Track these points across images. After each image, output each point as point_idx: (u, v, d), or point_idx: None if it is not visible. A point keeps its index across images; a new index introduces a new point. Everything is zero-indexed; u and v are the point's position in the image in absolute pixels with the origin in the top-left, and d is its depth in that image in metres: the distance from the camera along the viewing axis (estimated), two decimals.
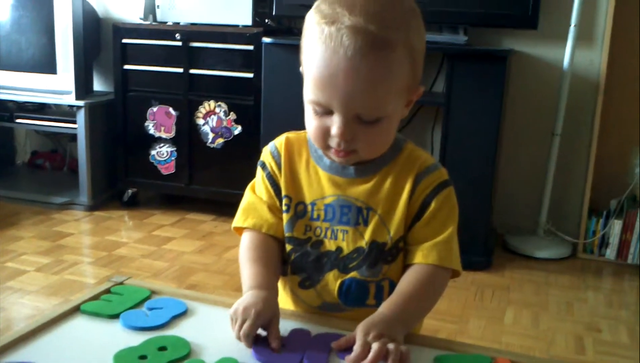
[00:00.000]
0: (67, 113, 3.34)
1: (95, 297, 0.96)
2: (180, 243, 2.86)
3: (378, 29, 0.83)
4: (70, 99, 3.17)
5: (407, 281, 0.94)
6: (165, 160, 3.26)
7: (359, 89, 0.85)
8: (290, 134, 1.03)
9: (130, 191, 3.37)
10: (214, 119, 3.13)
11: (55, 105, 3.37)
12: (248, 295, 0.88)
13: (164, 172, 3.27)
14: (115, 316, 0.90)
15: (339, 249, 0.97)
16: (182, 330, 0.88)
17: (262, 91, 2.87)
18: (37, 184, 3.54)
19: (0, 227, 2.93)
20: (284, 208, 0.99)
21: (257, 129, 2.95)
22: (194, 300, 0.97)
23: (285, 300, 1.04)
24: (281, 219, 1.00)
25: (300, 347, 0.83)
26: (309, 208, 0.98)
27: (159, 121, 3.23)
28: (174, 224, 3.13)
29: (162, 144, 3.25)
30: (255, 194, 1.03)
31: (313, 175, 0.99)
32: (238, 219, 1.02)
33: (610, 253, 2.87)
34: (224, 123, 3.11)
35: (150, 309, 0.93)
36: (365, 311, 0.88)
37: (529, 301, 2.42)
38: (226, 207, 3.16)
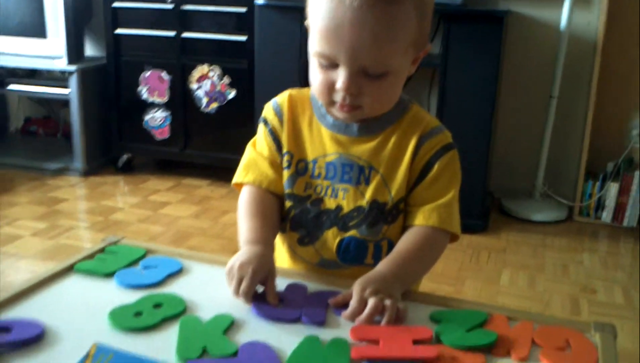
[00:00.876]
0: (59, 78, 3.30)
1: (89, 256, 0.95)
2: (176, 208, 2.85)
3: None
4: (61, 64, 3.13)
5: (406, 241, 0.93)
6: (159, 125, 3.24)
7: (365, 41, 0.83)
8: (293, 91, 1.02)
9: (125, 156, 3.35)
10: (207, 84, 3.09)
11: (47, 70, 3.32)
12: (244, 251, 0.87)
13: (159, 137, 3.25)
14: (109, 275, 0.89)
15: (339, 207, 0.96)
16: (177, 288, 0.87)
17: (256, 54, 2.83)
18: (31, 150, 3.52)
19: None
20: (284, 164, 0.98)
21: (251, 93, 2.92)
22: (189, 259, 0.96)
23: (283, 257, 1.03)
24: (282, 175, 0.98)
25: (297, 302, 0.83)
26: (310, 165, 0.97)
27: (152, 86, 3.19)
28: (169, 189, 3.12)
29: (155, 109, 3.22)
30: (256, 151, 1.01)
31: (315, 132, 0.97)
32: (238, 175, 1.01)
33: (607, 216, 2.87)
34: (218, 87, 3.08)
35: (145, 267, 0.92)
36: (363, 270, 0.87)
37: (525, 263, 2.43)
38: (222, 172, 3.15)
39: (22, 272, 2.14)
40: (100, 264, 0.92)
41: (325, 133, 0.97)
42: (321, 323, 0.79)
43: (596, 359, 0.74)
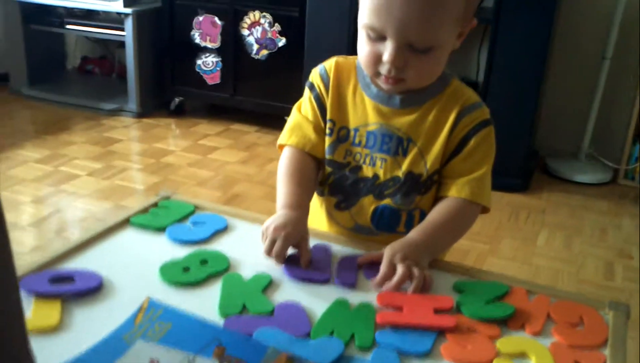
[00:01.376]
0: (115, 20, 3.39)
1: (144, 210, 1.03)
2: (224, 153, 2.94)
3: None
4: (118, 6, 3.21)
5: (438, 211, 0.98)
6: (210, 70, 3.30)
7: (414, 16, 0.86)
8: (340, 58, 1.05)
9: (177, 99, 3.45)
10: (258, 30, 3.13)
11: (104, 12, 3.41)
12: (280, 215, 0.93)
13: (210, 82, 3.32)
14: (162, 229, 0.98)
15: (376, 176, 1.01)
16: (222, 245, 0.95)
17: (308, 3, 2.84)
18: (87, 89, 3.64)
19: (53, 131, 3.05)
20: (327, 131, 1.03)
21: (301, 42, 2.95)
22: (234, 216, 1.03)
23: (320, 219, 1.09)
24: (324, 140, 1.03)
25: (325, 264, 0.90)
26: (352, 133, 1.01)
27: (205, 31, 3.25)
28: (218, 134, 3.21)
29: (207, 54, 3.28)
30: (301, 114, 1.06)
31: (359, 102, 1.01)
32: (283, 136, 1.06)
33: None
34: (269, 34, 3.12)
35: (194, 223, 1.00)
36: (395, 237, 0.93)
37: (564, 224, 2.45)
38: (269, 119, 3.22)
39: (79, 211, 2.28)
40: (153, 218, 1.00)
41: (369, 103, 1.00)
42: (352, 285, 0.86)
43: (606, 337, 0.79)
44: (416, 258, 0.88)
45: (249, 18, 3.13)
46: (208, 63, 3.29)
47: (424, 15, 0.86)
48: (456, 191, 0.98)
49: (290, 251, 0.91)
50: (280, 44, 3.11)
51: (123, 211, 2.23)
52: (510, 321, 0.80)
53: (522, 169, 2.75)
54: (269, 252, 0.89)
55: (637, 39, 2.83)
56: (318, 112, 1.04)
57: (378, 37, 0.90)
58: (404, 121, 0.99)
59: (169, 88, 3.43)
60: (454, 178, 0.99)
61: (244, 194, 2.51)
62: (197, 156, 2.88)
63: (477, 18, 0.96)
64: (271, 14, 3.08)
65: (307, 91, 1.06)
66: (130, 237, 0.96)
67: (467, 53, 3.02)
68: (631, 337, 1.74)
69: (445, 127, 0.98)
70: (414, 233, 0.93)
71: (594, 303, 0.87)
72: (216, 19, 3.20)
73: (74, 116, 3.30)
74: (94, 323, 0.75)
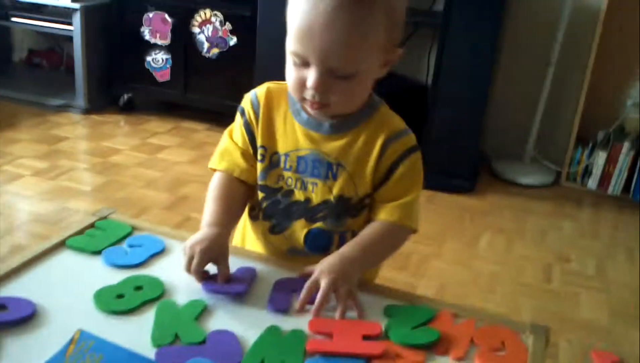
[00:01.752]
0: (63, 14, 3.32)
1: (80, 232, 1.03)
2: (173, 152, 2.92)
3: None
4: (66, 1, 3.14)
5: (369, 230, 1.01)
6: (160, 67, 3.28)
7: (334, 43, 0.88)
8: (272, 85, 1.07)
9: (126, 95, 3.41)
10: (209, 29, 3.11)
11: (52, 5, 3.33)
12: (200, 232, 0.95)
13: (160, 79, 3.30)
14: (98, 252, 0.98)
15: (308, 200, 1.03)
16: (158, 269, 0.96)
17: (259, 2, 2.84)
18: (35, 83, 3.57)
19: None
20: (259, 157, 1.05)
21: (253, 41, 2.95)
22: (172, 237, 1.04)
23: (256, 244, 1.11)
24: (253, 166, 1.05)
25: (245, 278, 0.93)
26: (283, 158, 1.03)
27: (155, 27, 3.22)
28: (168, 131, 3.19)
29: (157, 51, 3.25)
30: (232, 140, 1.08)
31: (289, 127, 1.03)
32: (213, 161, 1.08)
33: (592, 183, 2.95)
34: (220, 33, 3.10)
35: (131, 246, 1.01)
36: None
37: (506, 227, 2.52)
38: (220, 117, 3.21)
39: (23, 213, 2.24)
40: (89, 240, 1.01)
41: (299, 129, 1.02)
42: (285, 311, 0.88)
43: (525, 361, 0.83)
44: (346, 274, 0.91)
45: (200, 16, 3.11)
46: (158, 60, 3.26)
47: (344, 43, 0.89)
48: (386, 215, 1.01)
49: (213, 270, 0.92)
50: (232, 42, 3.10)
51: (68, 212, 2.20)
52: (435, 346, 0.84)
53: (469, 171, 2.81)
54: (187, 269, 0.91)
55: (581, 45, 2.91)
56: (247, 139, 1.05)
57: (302, 63, 0.92)
58: (333, 146, 1.01)
59: (118, 84, 3.39)
60: (385, 202, 1.02)
61: (192, 195, 2.51)
62: (145, 155, 2.86)
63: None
64: (222, 13, 3.06)
65: (238, 116, 1.07)
66: (65, 261, 0.96)
67: (418, 56, 3.07)
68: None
69: (374, 153, 1.01)
70: (346, 248, 0.97)
71: (517, 325, 0.91)
72: (166, 15, 3.17)
73: (20, 112, 3.24)
74: (27, 354, 0.75)
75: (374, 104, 1.03)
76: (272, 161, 1.04)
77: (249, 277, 0.94)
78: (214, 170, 1.09)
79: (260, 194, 1.06)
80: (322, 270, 0.91)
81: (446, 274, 2.11)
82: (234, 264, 0.97)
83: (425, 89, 2.99)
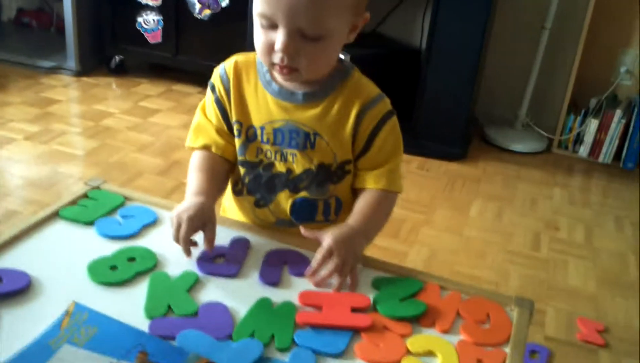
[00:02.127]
0: None
1: (73, 202, 1.04)
2: (165, 116, 2.91)
3: None
4: None
5: (364, 202, 1.03)
6: (152, 28, 3.24)
7: (302, 2, 0.88)
8: (240, 57, 1.06)
9: (117, 57, 3.37)
10: None
11: None
12: (186, 201, 0.96)
13: (151, 40, 3.26)
14: (90, 223, 0.99)
15: (289, 171, 1.04)
16: (151, 240, 0.97)
17: None
18: (25, 44, 3.52)
19: None
20: (235, 133, 1.04)
21: (245, 2, 2.90)
22: (164, 208, 1.05)
23: (243, 219, 1.13)
24: (229, 142, 1.05)
25: (238, 257, 0.94)
26: (259, 131, 1.03)
27: None
28: (160, 95, 3.17)
29: (148, 12, 3.21)
30: (206, 117, 1.07)
31: (261, 99, 1.02)
32: (190, 139, 1.08)
33: (584, 150, 2.96)
34: None
35: (124, 217, 1.02)
36: (316, 226, 0.98)
37: (497, 194, 2.54)
38: None
39: (15, 178, 2.24)
40: (82, 211, 1.01)
41: (271, 100, 1.02)
42: (275, 284, 0.90)
43: (509, 334, 0.85)
44: (355, 246, 0.93)
45: None
46: (149, 21, 3.22)
47: (312, 1, 0.88)
48: (374, 183, 1.03)
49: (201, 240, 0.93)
50: (224, 4, 3.06)
51: (60, 177, 2.21)
52: (422, 319, 0.86)
53: (461, 137, 2.82)
54: (176, 238, 0.92)
55: (576, 11, 2.90)
56: (220, 116, 1.05)
57: (270, 25, 0.91)
58: (308, 115, 1.01)
59: (110, 46, 3.35)
60: (369, 169, 1.04)
61: (185, 160, 2.49)
62: (137, 119, 2.85)
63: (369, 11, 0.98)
64: None
65: (209, 91, 1.06)
66: (59, 232, 0.97)
67: (413, 20, 3.04)
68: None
69: (350, 121, 1.01)
70: (352, 220, 0.98)
71: (502, 299, 0.93)
72: None
73: (10, 73, 3.20)
74: (22, 325, 0.76)
75: (345, 69, 1.03)
76: (249, 135, 1.04)
77: (242, 252, 0.96)
78: (192, 149, 1.08)
79: (242, 170, 1.07)
80: (337, 242, 0.91)
81: (437, 241, 2.14)
82: (227, 235, 0.98)
83: (418, 53, 2.98)
